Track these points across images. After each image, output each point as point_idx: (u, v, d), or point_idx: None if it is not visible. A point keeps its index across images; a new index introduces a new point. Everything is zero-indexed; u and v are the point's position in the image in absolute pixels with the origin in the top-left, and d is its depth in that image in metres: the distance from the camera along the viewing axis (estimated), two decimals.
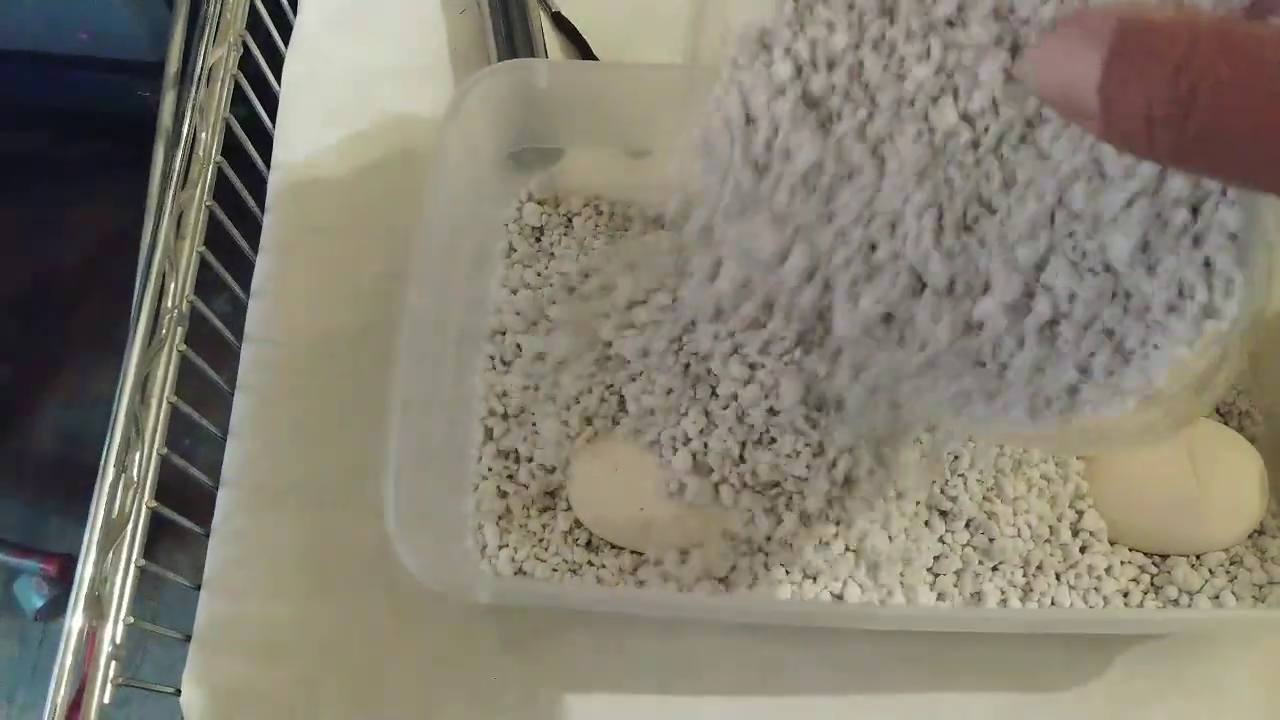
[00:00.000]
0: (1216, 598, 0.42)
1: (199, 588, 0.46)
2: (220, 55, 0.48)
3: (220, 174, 0.49)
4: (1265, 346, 0.48)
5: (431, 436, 0.43)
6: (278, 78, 0.55)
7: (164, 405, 0.44)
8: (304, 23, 0.56)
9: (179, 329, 0.45)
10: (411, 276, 0.41)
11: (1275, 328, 0.48)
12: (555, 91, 0.47)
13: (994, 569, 0.42)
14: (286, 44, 0.56)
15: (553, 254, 0.49)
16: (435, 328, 0.42)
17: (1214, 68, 0.18)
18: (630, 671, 0.44)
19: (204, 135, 0.46)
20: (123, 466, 0.42)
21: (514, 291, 0.47)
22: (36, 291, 1.15)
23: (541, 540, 0.43)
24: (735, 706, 0.43)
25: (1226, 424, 0.47)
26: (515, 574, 0.43)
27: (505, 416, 0.45)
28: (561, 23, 0.57)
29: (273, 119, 0.54)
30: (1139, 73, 0.19)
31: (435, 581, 0.37)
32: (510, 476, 0.44)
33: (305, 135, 0.54)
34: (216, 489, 0.48)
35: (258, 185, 0.53)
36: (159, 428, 0.43)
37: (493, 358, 0.46)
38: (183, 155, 0.44)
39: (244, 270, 0.51)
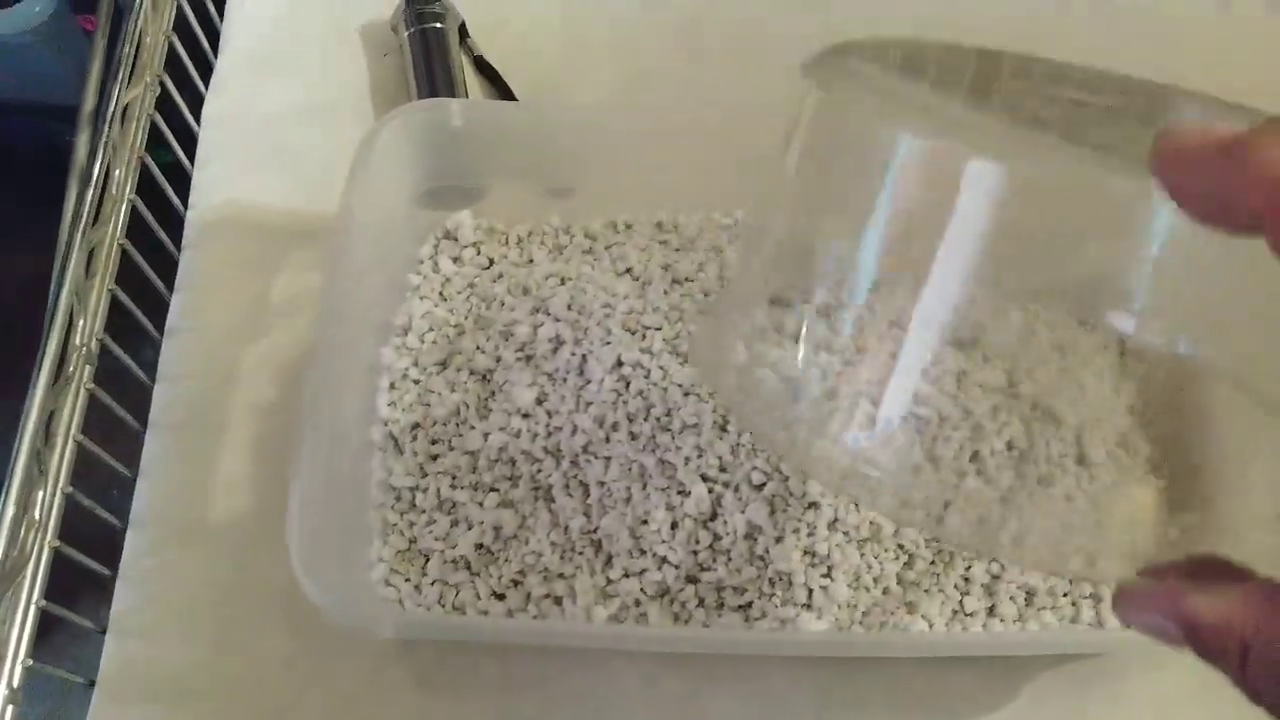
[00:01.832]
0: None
1: (104, 631, 0.45)
2: (136, 95, 0.48)
3: (136, 212, 0.49)
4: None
5: (340, 471, 0.43)
6: (198, 117, 0.55)
7: (69, 444, 0.43)
8: (225, 63, 0.57)
9: (87, 367, 0.44)
10: (321, 315, 0.41)
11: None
12: (472, 131, 0.47)
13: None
14: (207, 84, 0.56)
15: (471, 286, 0.49)
16: (344, 361, 0.42)
17: None
18: (547, 705, 0.44)
19: (118, 173, 0.46)
20: (24, 505, 0.41)
21: (430, 328, 0.48)
22: None
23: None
24: None
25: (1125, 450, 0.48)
26: (425, 608, 0.42)
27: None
28: (483, 66, 0.59)
29: (193, 158, 0.54)
30: None
31: (341, 616, 0.37)
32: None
33: (225, 174, 0.54)
34: (124, 529, 0.47)
35: (178, 224, 0.53)
36: (64, 467, 0.43)
37: (394, 387, 0.46)
38: (94, 193, 0.44)
39: (161, 309, 0.51)
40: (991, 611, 0.43)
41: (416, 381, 0.46)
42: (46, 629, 0.43)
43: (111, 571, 0.46)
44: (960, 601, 0.43)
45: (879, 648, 0.42)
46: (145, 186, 0.50)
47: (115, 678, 0.44)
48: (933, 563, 0.43)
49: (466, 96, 0.56)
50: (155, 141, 0.52)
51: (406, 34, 0.56)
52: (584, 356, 0.43)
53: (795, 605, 0.41)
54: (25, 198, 1.15)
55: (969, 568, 0.43)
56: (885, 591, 0.42)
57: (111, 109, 0.46)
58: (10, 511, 0.40)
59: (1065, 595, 0.44)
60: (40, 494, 0.42)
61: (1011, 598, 0.43)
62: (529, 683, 0.44)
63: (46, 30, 0.82)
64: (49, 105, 0.88)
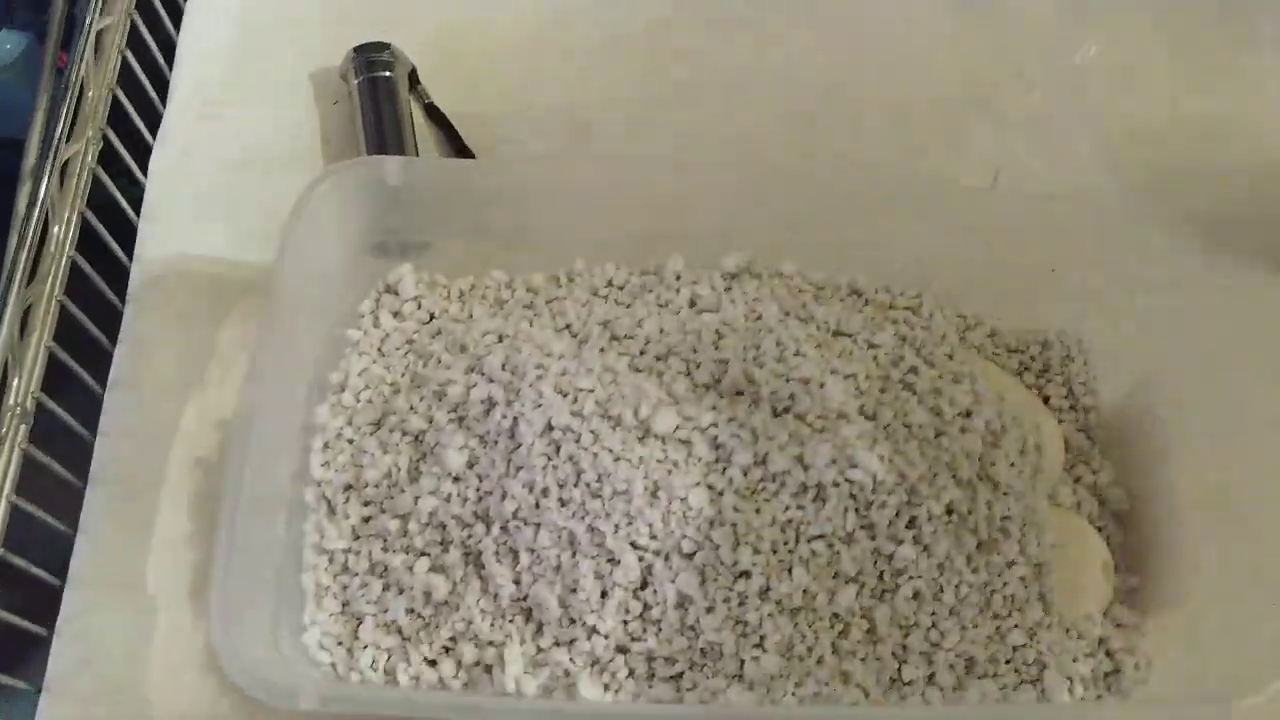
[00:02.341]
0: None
1: (39, 691, 0.45)
2: (76, 150, 0.48)
3: (77, 267, 0.49)
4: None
5: (272, 533, 0.42)
6: (144, 168, 0.55)
7: (3, 504, 0.43)
8: (172, 112, 0.56)
9: (21, 426, 0.44)
10: (250, 373, 0.40)
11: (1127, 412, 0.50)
12: (410, 187, 0.47)
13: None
14: (154, 134, 0.56)
15: (410, 343, 0.49)
16: (276, 420, 0.42)
17: None
18: None
19: (56, 230, 0.46)
20: None
21: (366, 386, 0.47)
22: None
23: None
24: None
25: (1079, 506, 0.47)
26: (358, 673, 0.42)
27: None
28: (434, 114, 0.58)
29: (138, 210, 0.54)
30: None
31: (258, 690, 0.36)
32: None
33: (170, 226, 0.54)
34: (62, 588, 0.46)
35: (123, 276, 0.53)
36: None
37: (328, 447, 0.46)
38: (29, 251, 0.44)
39: (104, 363, 0.51)
40: (930, 680, 0.43)
41: (350, 441, 0.46)
42: None
43: (48, 631, 0.46)
44: (898, 669, 0.43)
45: None
46: (89, 237, 0.50)
47: None
48: (869, 630, 0.42)
49: (415, 145, 0.56)
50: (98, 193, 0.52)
51: (355, 82, 0.56)
52: (515, 419, 0.43)
53: (726, 677, 0.41)
54: None
55: (907, 635, 0.42)
56: (819, 662, 0.41)
57: (48, 165, 0.45)
58: None
59: (1008, 663, 0.43)
60: None
61: (951, 666, 0.43)
62: None
63: (19, 66, 0.82)
64: (21, 141, 0.88)
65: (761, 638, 0.41)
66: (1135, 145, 0.61)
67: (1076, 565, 0.45)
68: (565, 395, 0.43)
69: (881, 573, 0.42)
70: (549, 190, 0.50)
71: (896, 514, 0.42)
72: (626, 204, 0.50)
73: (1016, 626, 0.43)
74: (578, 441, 0.42)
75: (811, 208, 0.51)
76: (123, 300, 0.52)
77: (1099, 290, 0.51)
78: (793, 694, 0.41)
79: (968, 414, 0.45)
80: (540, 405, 0.43)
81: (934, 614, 0.42)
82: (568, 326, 0.48)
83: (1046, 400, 0.51)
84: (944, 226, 0.50)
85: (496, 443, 0.43)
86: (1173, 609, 0.45)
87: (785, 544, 0.42)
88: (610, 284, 0.51)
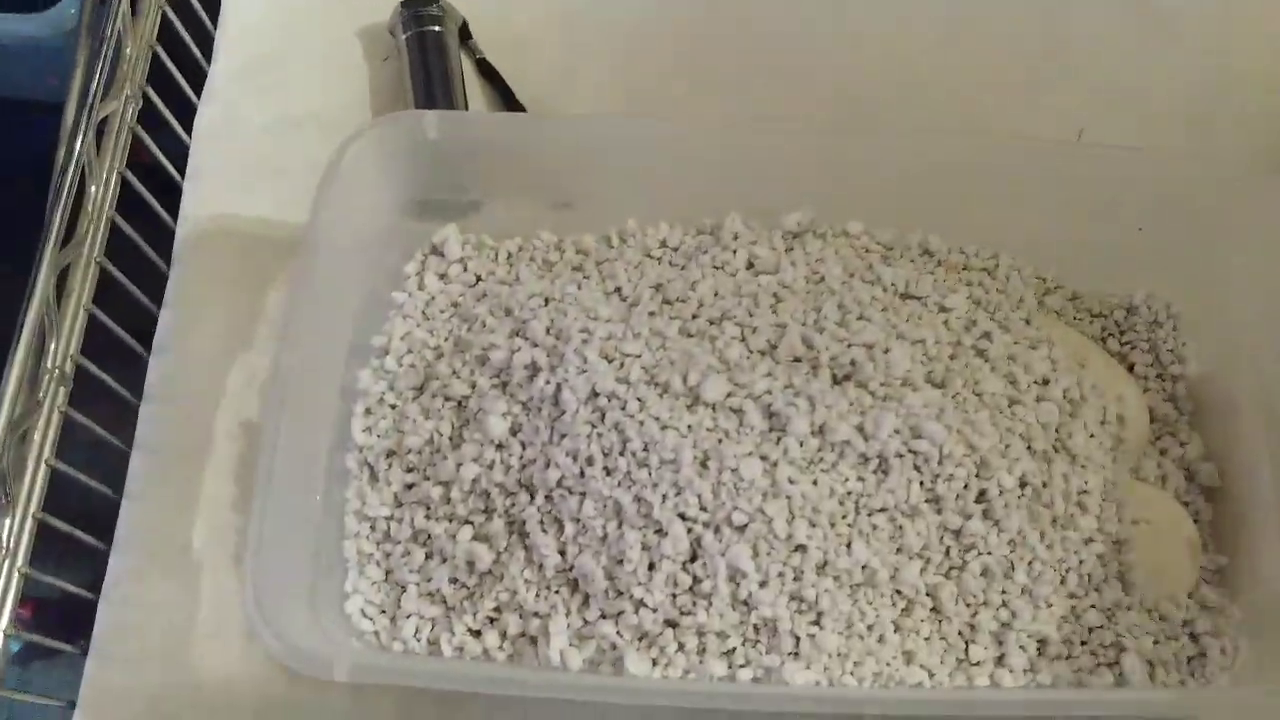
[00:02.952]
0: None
1: (84, 654, 0.45)
2: (113, 108, 0.47)
3: (121, 229, 0.48)
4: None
5: (309, 501, 0.41)
6: (188, 128, 0.54)
7: (41, 468, 0.42)
8: (218, 71, 0.55)
9: (60, 389, 0.43)
10: (286, 333, 0.39)
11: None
12: (453, 143, 0.45)
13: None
14: (198, 94, 0.55)
15: (455, 305, 0.47)
16: (314, 384, 0.40)
17: None
18: None
19: (94, 189, 0.45)
20: None
21: (409, 350, 0.46)
22: None
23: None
24: None
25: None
26: (401, 642, 0.41)
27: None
28: (486, 69, 0.56)
29: (182, 171, 0.53)
30: None
31: (294, 663, 0.35)
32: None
33: (216, 186, 0.53)
34: (108, 552, 0.46)
35: (169, 239, 0.52)
36: (35, 492, 0.42)
37: (370, 412, 0.44)
38: (63, 211, 0.43)
39: (149, 326, 0.50)
40: (1000, 661, 0.40)
41: (393, 406, 0.44)
42: (26, 654, 0.43)
43: (94, 595, 0.45)
44: (965, 649, 0.40)
45: (872, 703, 0.39)
46: (132, 198, 0.49)
47: (96, 701, 0.44)
48: (934, 608, 0.40)
49: (466, 101, 0.54)
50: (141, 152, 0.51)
51: (404, 37, 0.54)
52: (559, 385, 0.41)
53: (781, 654, 0.39)
54: None
55: (975, 614, 0.40)
56: (881, 640, 0.39)
57: (85, 123, 0.45)
58: None
59: (1084, 644, 0.41)
60: (8, 521, 0.41)
61: (1022, 647, 0.40)
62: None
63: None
64: None
65: (819, 614, 0.38)
66: (1228, 100, 0.57)
67: (1160, 543, 0.42)
68: (611, 361, 0.41)
69: (948, 548, 0.40)
70: (602, 148, 0.48)
71: (965, 486, 0.40)
72: (683, 161, 0.48)
73: (1093, 607, 0.40)
74: (623, 409, 0.40)
75: (880, 163, 0.48)
76: (168, 263, 0.51)
77: (1189, 252, 0.47)
78: (852, 674, 0.39)
79: (1044, 382, 0.43)
80: (584, 371, 0.41)
81: (1005, 592, 0.40)
82: (618, 290, 0.46)
83: (1131, 368, 0.47)
84: (1023, 182, 0.47)
85: (540, 409, 0.41)
86: (1264, 591, 0.42)
87: (844, 517, 0.39)
88: (664, 245, 0.48)
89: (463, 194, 0.49)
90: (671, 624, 0.39)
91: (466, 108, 0.54)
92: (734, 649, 0.39)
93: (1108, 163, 0.47)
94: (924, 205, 0.48)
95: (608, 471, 0.39)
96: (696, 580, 0.39)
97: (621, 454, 0.39)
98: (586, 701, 0.41)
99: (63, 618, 0.49)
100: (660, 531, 0.39)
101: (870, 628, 0.39)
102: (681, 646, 0.39)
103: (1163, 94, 0.57)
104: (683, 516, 0.39)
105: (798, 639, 0.39)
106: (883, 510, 0.40)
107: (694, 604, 0.39)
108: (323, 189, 0.41)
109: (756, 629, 0.39)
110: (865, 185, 0.48)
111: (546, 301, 0.45)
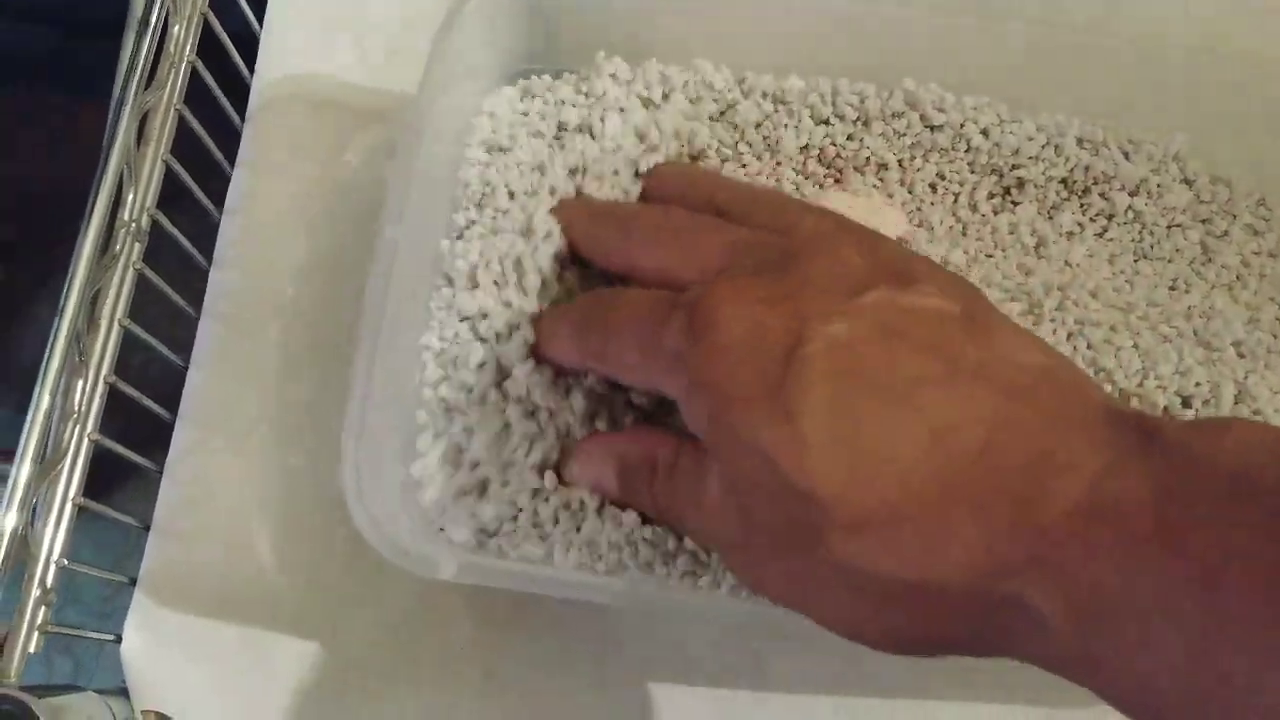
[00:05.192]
0: None
1: (147, 528, 0.42)
2: None
3: (199, 80, 0.44)
4: None
5: (406, 382, 0.39)
6: None
7: (115, 328, 0.39)
8: None
9: (136, 245, 0.40)
10: (389, 206, 0.36)
11: None
12: (576, 6, 0.41)
13: None
14: None
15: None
16: (414, 261, 0.37)
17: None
18: (608, 656, 0.40)
19: (176, 29, 0.41)
20: (62, 394, 0.38)
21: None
22: (39, 195, 1.11)
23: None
24: (719, 698, 0.40)
25: None
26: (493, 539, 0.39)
27: None
28: None
29: (262, 21, 0.49)
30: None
31: (396, 556, 0.33)
32: None
33: (296, 42, 0.49)
34: (173, 423, 0.44)
35: (244, 94, 0.48)
36: (108, 353, 0.39)
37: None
38: (148, 52, 0.39)
39: (221, 186, 0.47)
40: None
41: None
42: (85, 524, 0.41)
43: (157, 468, 0.43)
44: None
45: None
46: (211, 50, 0.45)
47: (157, 579, 0.42)
48: None
49: None
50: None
51: None
52: None
53: None
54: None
55: None
56: None
57: None
58: (46, 401, 0.37)
59: None
60: (80, 383, 0.38)
61: None
62: (593, 634, 0.41)
63: None
64: None
65: None
66: None
67: None
68: None
69: None
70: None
71: None
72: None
73: None
74: None
75: None
76: (242, 118, 0.48)
77: None
78: None
79: None
80: None
81: None
82: None
83: None
84: None
85: None
86: None
87: None
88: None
89: (572, 65, 0.45)
90: None
91: None
92: None
93: None
94: None
95: None
96: None
97: None
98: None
99: (119, 492, 0.46)
100: None
101: None
102: None
103: None
104: None
105: None
106: None
107: None
108: (436, 52, 0.37)
109: None
110: None
111: None
